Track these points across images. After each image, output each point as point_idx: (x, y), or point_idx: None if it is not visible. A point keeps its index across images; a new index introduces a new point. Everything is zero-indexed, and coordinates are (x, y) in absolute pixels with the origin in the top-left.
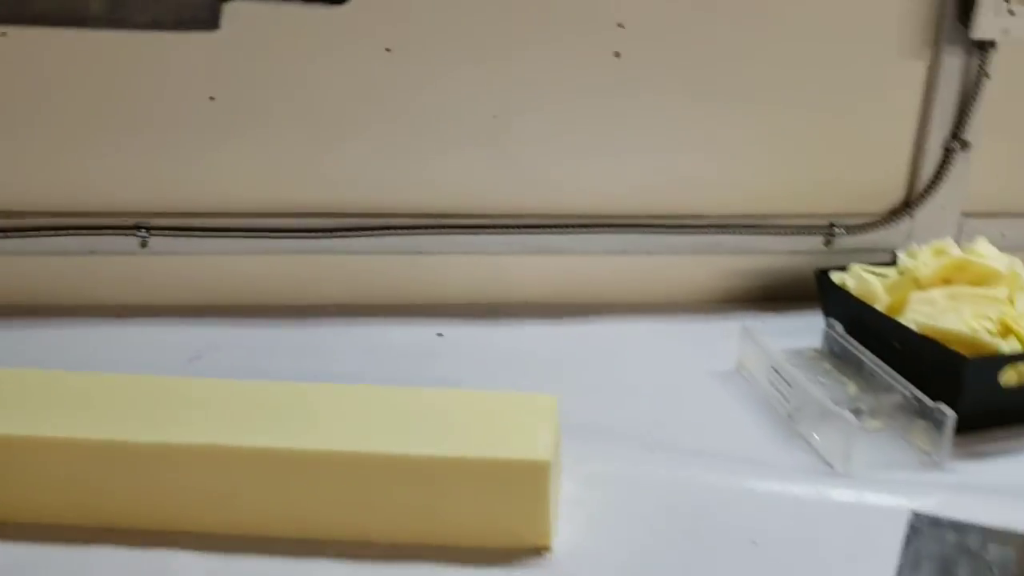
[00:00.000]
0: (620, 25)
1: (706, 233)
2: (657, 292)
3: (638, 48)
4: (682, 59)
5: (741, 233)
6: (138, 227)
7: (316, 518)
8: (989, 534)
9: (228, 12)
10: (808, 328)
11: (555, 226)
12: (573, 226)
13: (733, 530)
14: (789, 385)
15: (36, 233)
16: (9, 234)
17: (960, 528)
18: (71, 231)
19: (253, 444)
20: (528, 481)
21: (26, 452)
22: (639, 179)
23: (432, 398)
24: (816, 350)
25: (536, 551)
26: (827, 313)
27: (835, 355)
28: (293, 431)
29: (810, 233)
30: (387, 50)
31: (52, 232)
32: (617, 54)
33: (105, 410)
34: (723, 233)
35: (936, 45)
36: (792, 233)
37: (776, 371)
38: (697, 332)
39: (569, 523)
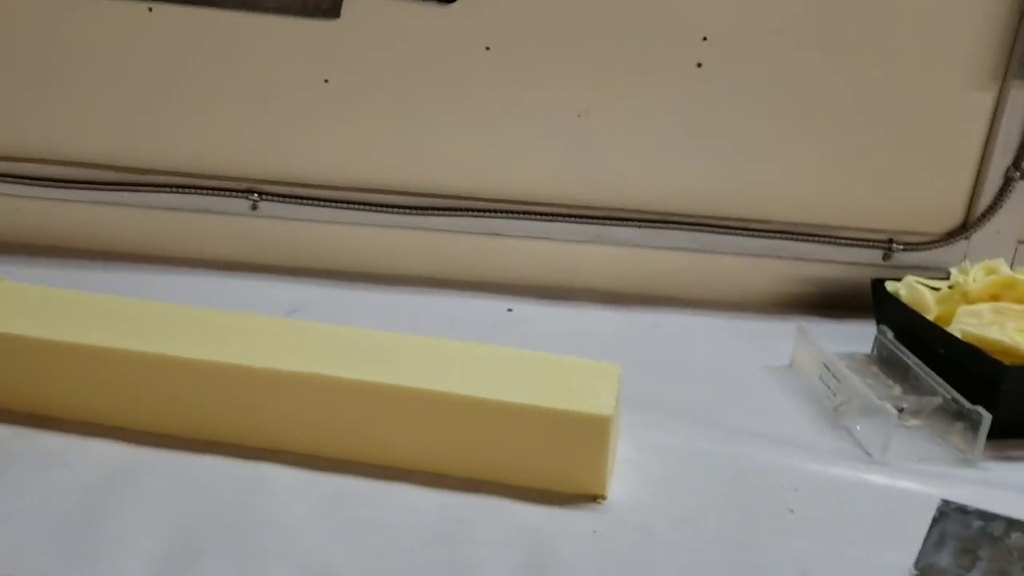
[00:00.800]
0: (704, 38)
1: (771, 238)
2: (719, 290)
3: (719, 60)
4: (760, 74)
5: (804, 241)
6: (250, 191)
7: (399, 449)
8: (1013, 524)
9: (348, 3)
10: (860, 335)
11: (625, 219)
12: (642, 221)
13: (773, 498)
14: (838, 380)
15: (160, 189)
16: (137, 188)
17: (985, 516)
18: (191, 190)
19: (349, 376)
20: (591, 433)
21: (149, 367)
22: (710, 182)
23: (508, 354)
24: (866, 355)
25: (592, 498)
26: (879, 320)
27: (883, 360)
28: (385, 369)
29: (870, 246)
30: (487, 48)
31: (174, 190)
32: (699, 64)
33: (217, 338)
34: (787, 239)
35: (1005, 77)
36: (853, 245)
37: (827, 367)
38: (754, 330)
39: (623, 480)
